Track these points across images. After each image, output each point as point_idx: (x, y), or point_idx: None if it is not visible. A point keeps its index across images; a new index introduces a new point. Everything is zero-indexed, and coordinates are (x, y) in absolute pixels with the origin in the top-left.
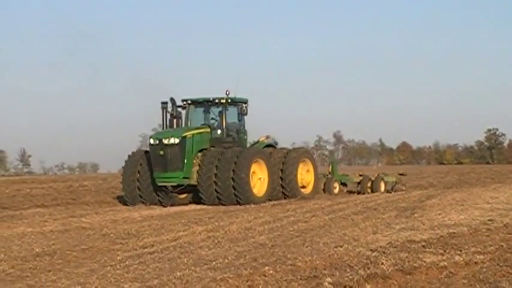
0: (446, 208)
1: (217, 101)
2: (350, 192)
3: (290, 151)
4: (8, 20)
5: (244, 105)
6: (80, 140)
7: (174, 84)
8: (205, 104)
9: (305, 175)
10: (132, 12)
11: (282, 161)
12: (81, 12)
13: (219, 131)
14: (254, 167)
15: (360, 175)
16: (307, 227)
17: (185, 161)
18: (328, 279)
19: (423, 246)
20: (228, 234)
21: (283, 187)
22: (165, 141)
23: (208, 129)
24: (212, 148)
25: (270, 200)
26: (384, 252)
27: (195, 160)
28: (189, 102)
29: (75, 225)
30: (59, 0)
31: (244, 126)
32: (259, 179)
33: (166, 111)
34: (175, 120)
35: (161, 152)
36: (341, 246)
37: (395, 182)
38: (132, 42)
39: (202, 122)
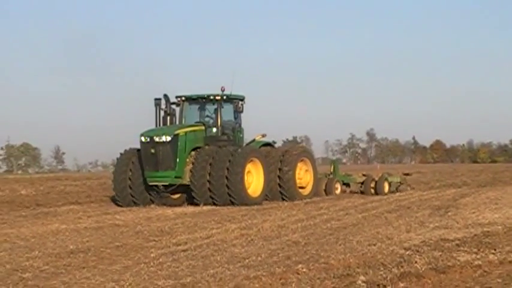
0: (480, 207)
1: (212, 97)
2: (353, 192)
3: (288, 150)
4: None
5: (240, 102)
6: (114, 137)
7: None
8: (200, 100)
9: (304, 175)
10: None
11: (280, 161)
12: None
13: (214, 129)
14: (249, 167)
15: (363, 175)
16: (341, 225)
17: (177, 159)
18: (362, 277)
19: (457, 245)
20: (261, 232)
21: (281, 187)
22: (157, 139)
23: (203, 127)
24: (206, 147)
25: (266, 200)
26: (417, 251)
27: (189, 159)
28: (183, 99)
29: (109, 222)
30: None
31: (240, 124)
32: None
33: (160, 108)
34: (168, 118)
35: (152, 151)
36: (374, 245)
37: (400, 182)
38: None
39: (197, 120)
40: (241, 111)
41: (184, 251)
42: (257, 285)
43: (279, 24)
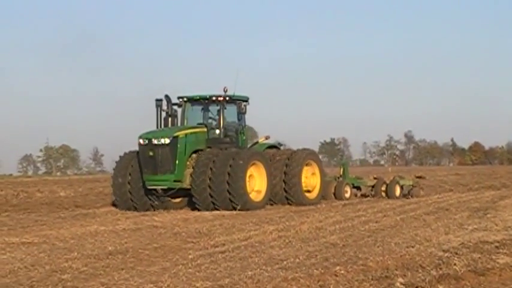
0: None
1: (214, 98)
2: (363, 196)
3: (294, 152)
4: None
5: (243, 103)
6: None
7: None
8: (202, 101)
9: (310, 178)
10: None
11: (285, 163)
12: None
13: (216, 131)
14: (251, 170)
15: (375, 178)
16: (379, 227)
17: (176, 162)
18: (400, 279)
19: (496, 247)
20: (299, 233)
21: (287, 191)
22: (155, 141)
23: (205, 129)
24: (208, 149)
25: (271, 204)
26: (456, 253)
27: (189, 162)
28: (185, 99)
29: (147, 223)
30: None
31: (244, 126)
32: (256, 191)
33: (161, 109)
34: (170, 119)
35: (151, 153)
36: (413, 247)
37: (413, 185)
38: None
39: (200, 121)
40: (245, 113)
41: (222, 252)
42: (295, 287)
43: (307, 22)
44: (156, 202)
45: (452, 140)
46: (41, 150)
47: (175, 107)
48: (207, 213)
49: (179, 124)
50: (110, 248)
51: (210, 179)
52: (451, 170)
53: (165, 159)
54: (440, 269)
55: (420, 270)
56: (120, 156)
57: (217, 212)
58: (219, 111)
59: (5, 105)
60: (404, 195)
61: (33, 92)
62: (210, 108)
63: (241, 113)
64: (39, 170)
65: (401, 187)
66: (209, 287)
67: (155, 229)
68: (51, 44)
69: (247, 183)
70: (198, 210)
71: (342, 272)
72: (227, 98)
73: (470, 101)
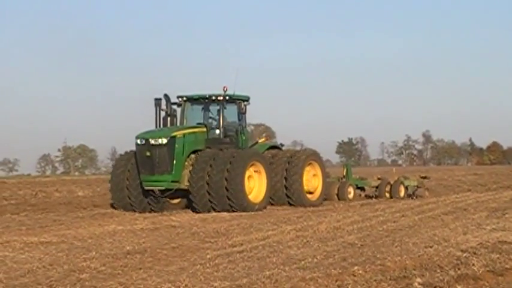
0: None
1: (214, 98)
2: (367, 197)
3: (295, 153)
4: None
5: (243, 103)
6: None
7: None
8: (202, 101)
9: (311, 179)
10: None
11: (287, 164)
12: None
13: (216, 131)
14: (250, 171)
15: (379, 178)
16: (397, 227)
17: (174, 162)
18: (418, 279)
19: None
20: (317, 233)
21: (287, 192)
22: (152, 142)
23: (204, 129)
24: (207, 149)
25: (272, 205)
26: (474, 253)
27: (188, 162)
28: (185, 99)
29: (165, 223)
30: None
31: (244, 126)
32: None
33: (160, 109)
34: (169, 119)
35: (148, 153)
36: (431, 247)
37: (417, 186)
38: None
39: (200, 121)
40: (245, 113)
41: (240, 252)
42: (313, 287)
43: (321, 21)
44: (153, 203)
45: (470, 139)
46: (59, 150)
47: (174, 107)
48: (224, 213)
49: (178, 124)
50: (128, 248)
51: (209, 176)
52: (469, 169)
53: (163, 160)
54: (459, 269)
55: (438, 271)
56: (120, 155)
57: (235, 212)
58: (218, 111)
59: (23, 106)
60: (408, 196)
61: (51, 93)
62: (210, 107)
63: (241, 113)
64: (57, 170)
65: (406, 187)
66: (227, 287)
67: (173, 229)
68: (62, 45)
69: (246, 184)
70: (197, 211)
71: (360, 272)
72: (227, 98)
73: (488, 100)
